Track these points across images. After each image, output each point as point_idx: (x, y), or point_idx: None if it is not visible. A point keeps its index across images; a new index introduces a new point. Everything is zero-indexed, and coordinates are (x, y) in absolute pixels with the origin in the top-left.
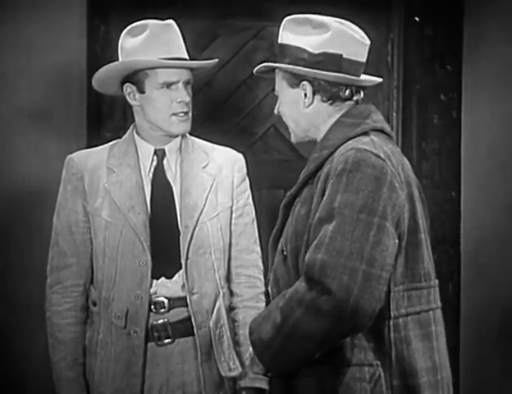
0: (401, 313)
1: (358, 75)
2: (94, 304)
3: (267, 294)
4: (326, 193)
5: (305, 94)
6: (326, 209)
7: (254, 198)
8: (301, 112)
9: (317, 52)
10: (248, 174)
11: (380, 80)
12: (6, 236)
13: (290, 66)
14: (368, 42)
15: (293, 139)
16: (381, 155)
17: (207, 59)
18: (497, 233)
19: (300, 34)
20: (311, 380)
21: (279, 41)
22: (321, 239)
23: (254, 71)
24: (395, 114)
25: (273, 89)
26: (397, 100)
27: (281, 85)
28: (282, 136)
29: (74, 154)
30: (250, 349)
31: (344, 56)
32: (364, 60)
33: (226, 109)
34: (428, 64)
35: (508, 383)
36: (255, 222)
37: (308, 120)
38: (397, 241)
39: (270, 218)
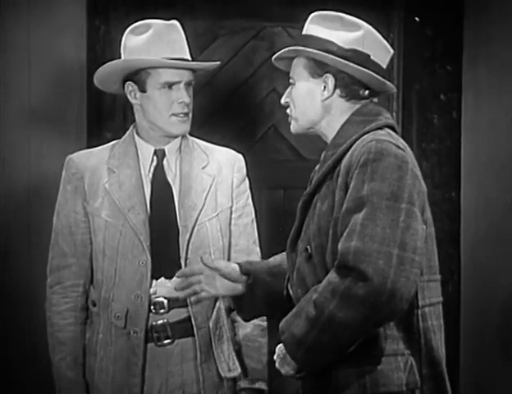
0: (426, 302)
1: None
2: (94, 305)
3: (288, 295)
4: (352, 184)
5: (325, 87)
6: (353, 199)
7: (254, 198)
8: (315, 103)
9: (347, 47)
10: (248, 174)
11: (395, 89)
12: (6, 236)
13: (323, 53)
14: (392, 51)
15: (293, 130)
16: (401, 145)
17: (207, 60)
18: (497, 233)
19: (330, 28)
20: (350, 372)
21: (304, 32)
22: (352, 227)
23: (275, 55)
24: (395, 114)
25: (273, 89)
26: (397, 100)
27: (300, 74)
28: (282, 136)
29: (74, 154)
30: (277, 350)
31: (371, 57)
32: (385, 67)
33: (226, 110)
34: (428, 64)
35: (508, 383)
36: (255, 222)
37: (320, 113)
38: (424, 227)
39: (270, 219)
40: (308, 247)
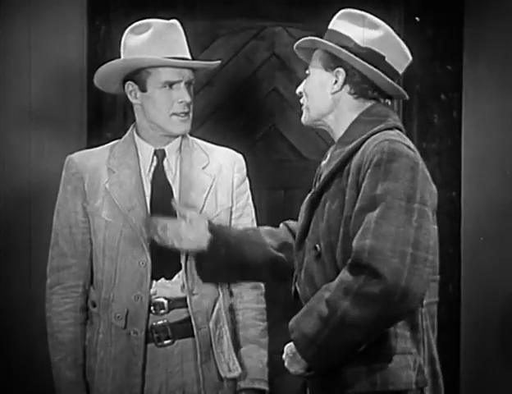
0: (427, 301)
1: None
2: (94, 305)
3: (295, 293)
4: (365, 183)
5: (335, 81)
6: (367, 198)
7: (254, 198)
8: (325, 96)
9: (363, 45)
10: (248, 174)
11: (407, 96)
12: (6, 236)
13: (337, 47)
14: (410, 58)
15: (304, 121)
16: (412, 147)
17: (207, 59)
18: (497, 233)
19: (352, 25)
20: (360, 370)
21: (329, 27)
22: (366, 225)
23: (296, 44)
24: None
25: (274, 89)
26: (397, 100)
27: (315, 65)
28: (282, 136)
29: (74, 155)
30: (286, 349)
31: (386, 59)
32: (401, 72)
33: (227, 109)
34: (428, 64)
35: (508, 383)
36: (255, 222)
37: (329, 105)
38: (435, 227)
39: (270, 219)
40: (318, 246)
